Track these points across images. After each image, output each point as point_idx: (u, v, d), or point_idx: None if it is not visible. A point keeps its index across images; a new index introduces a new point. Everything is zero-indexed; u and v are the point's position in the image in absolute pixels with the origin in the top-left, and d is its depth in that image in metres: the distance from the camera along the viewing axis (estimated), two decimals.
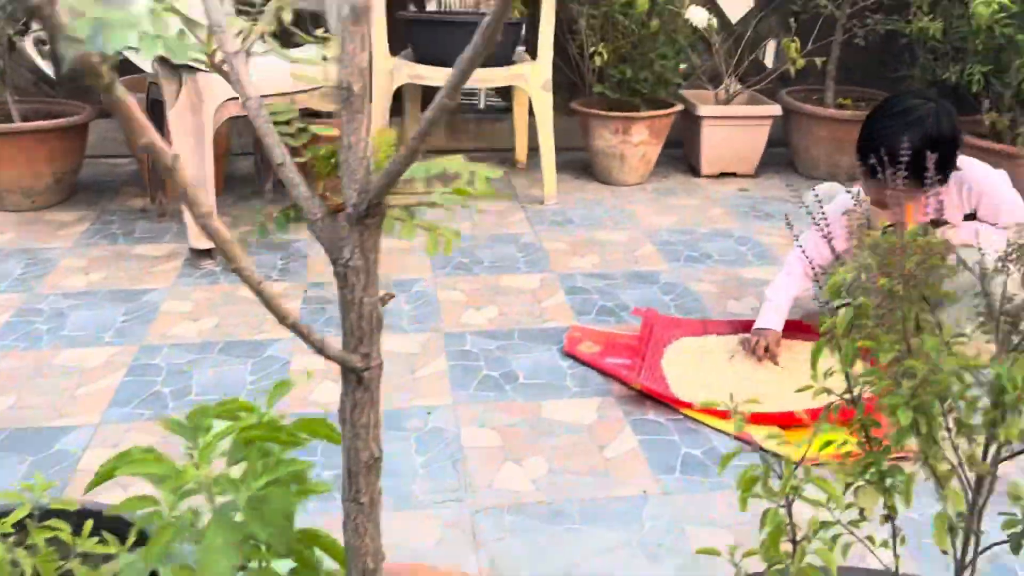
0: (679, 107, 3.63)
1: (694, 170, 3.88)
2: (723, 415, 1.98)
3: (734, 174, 3.83)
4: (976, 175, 2.03)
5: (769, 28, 4.06)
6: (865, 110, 3.74)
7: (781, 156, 4.14)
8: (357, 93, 0.64)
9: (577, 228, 3.20)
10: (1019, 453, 0.90)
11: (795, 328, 2.34)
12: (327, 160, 0.73)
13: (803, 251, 2.29)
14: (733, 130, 3.69)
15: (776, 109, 3.67)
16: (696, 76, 3.92)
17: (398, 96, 3.57)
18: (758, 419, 1.95)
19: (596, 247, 3.02)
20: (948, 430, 0.92)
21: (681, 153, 4.11)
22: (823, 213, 2.17)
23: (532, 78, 3.26)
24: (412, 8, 3.77)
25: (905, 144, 1.94)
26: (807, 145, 3.75)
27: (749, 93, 3.90)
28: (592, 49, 3.49)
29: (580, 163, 3.99)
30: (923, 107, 1.95)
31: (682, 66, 3.74)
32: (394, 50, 3.36)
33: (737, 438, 1.93)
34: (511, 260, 2.88)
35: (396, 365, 2.19)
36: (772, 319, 2.22)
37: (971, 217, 2.09)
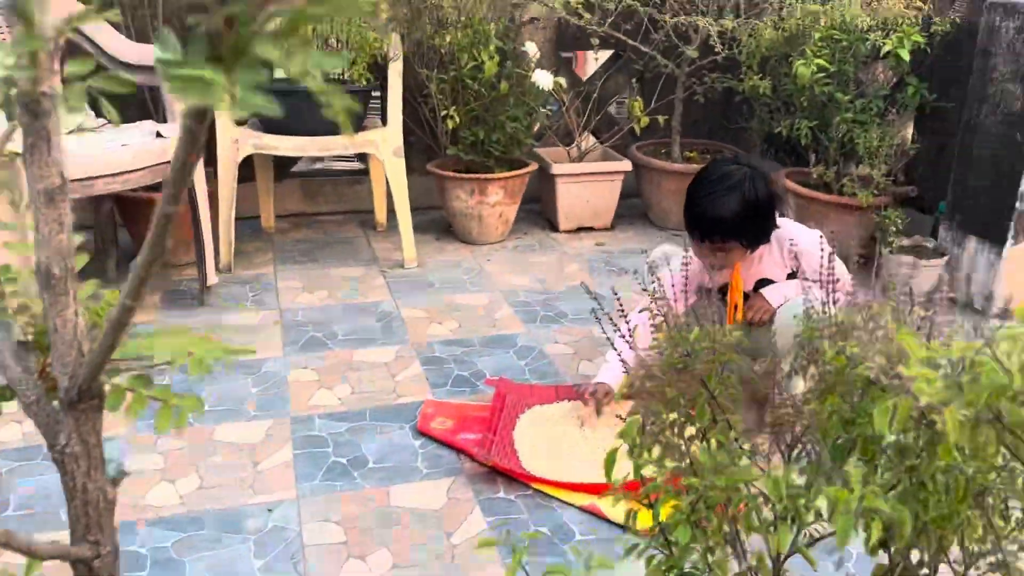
0: (533, 166, 3.69)
1: (552, 226, 3.94)
2: (574, 487, 1.99)
3: (591, 228, 3.91)
4: (795, 236, 2.14)
5: (617, 86, 4.20)
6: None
7: (636, 207, 4.27)
8: (59, 276, 0.59)
9: (437, 292, 3.18)
10: (791, 555, 0.92)
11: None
12: (45, 335, 0.68)
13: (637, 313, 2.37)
14: (587, 186, 3.77)
15: (626, 165, 3.78)
16: (549, 135, 4.00)
17: (249, 164, 3.49)
18: (606, 489, 1.96)
19: (455, 312, 3.00)
20: (735, 539, 0.94)
21: (540, 209, 4.18)
22: (657, 279, 2.21)
23: (383, 145, 3.24)
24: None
25: (724, 209, 2.03)
26: (658, 198, 3.88)
27: (602, 149, 4.01)
28: (444, 112, 3.51)
29: (443, 222, 3.99)
30: (738, 172, 2.05)
31: (537, 125, 3.81)
32: (240, 120, 3.29)
33: (586, 511, 1.95)
34: (367, 332, 2.83)
35: (237, 458, 2.10)
36: (606, 375, 2.25)
37: (793, 276, 2.19)
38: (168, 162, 2.71)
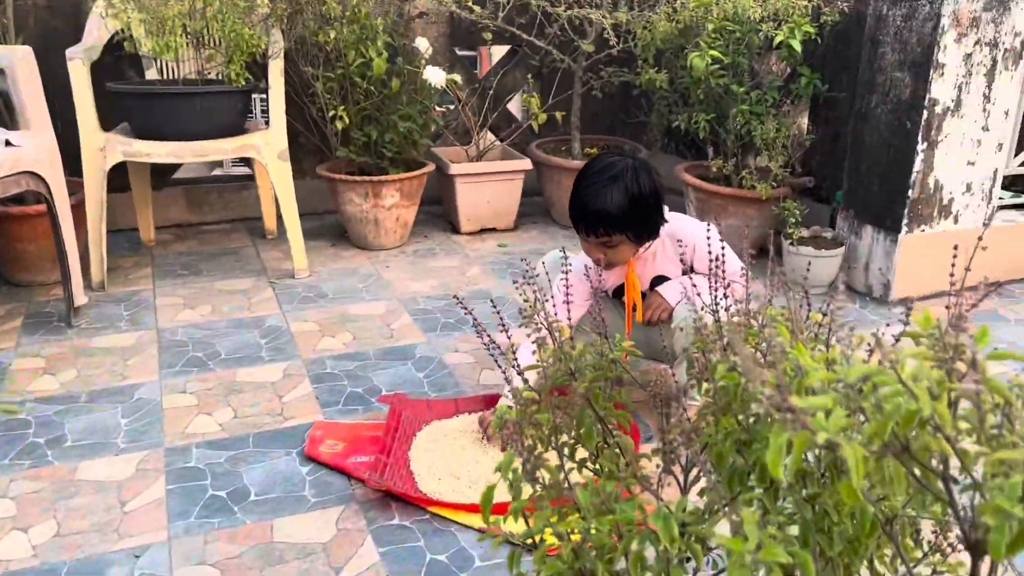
0: (430, 167, 3.55)
1: (454, 228, 3.82)
2: (474, 508, 1.86)
3: (494, 229, 3.80)
4: (687, 231, 2.07)
5: (514, 82, 4.09)
6: None
7: (539, 205, 4.18)
8: None
9: (330, 303, 3.00)
10: None
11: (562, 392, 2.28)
12: None
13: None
14: (487, 186, 3.66)
15: (526, 163, 3.68)
16: (446, 134, 3.87)
17: (125, 171, 3.24)
18: (505, 509, 1.84)
19: (349, 323, 2.84)
20: None
21: (441, 211, 4.05)
22: (538, 290, 2.10)
23: (266, 148, 3.05)
24: (130, 78, 3.44)
25: (607, 201, 1.94)
26: (559, 196, 3.79)
27: (502, 147, 3.90)
28: (332, 113, 3.34)
29: (337, 227, 3.81)
30: (621, 164, 1.97)
31: (433, 126, 3.67)
32: (109, 124, 3.04)
33: (485, 532, 1.83)
34: (253, 349, 2.64)
35: (102, 499, 1.89)
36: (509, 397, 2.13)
37: (689, 271, 2.12)
38: (23, 172, 2.46)
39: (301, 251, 3.21)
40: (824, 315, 0.94)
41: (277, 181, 3.09)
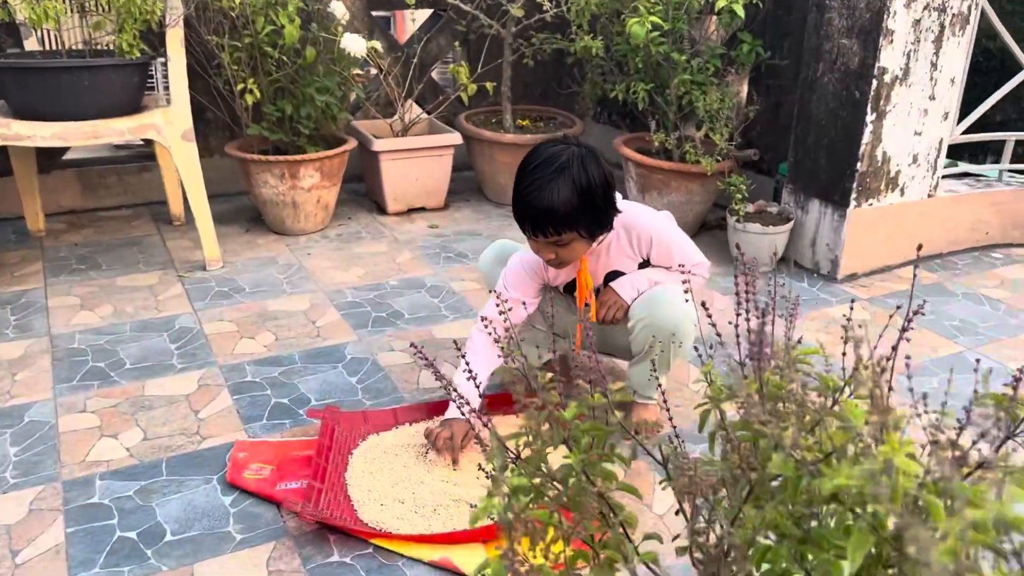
0: (352, 143, 3.28)
1: (380, 208, 3.57)
2: (421, 539, 1.67)
3: (423, 208, 3.57)
4: (642, 222, 1.89)
5: (439, 49, 3.83)
6: (546, 131, 3.67)
7: (470, 181, 3.95)
8: None
9: (247, 298, 2.74)
10: None
11: (505, 403, 2.10)
12: None
13: (485, 323, 2.06)
14: (414, 163, 3.41)
15: (456, 138, 3.45)
16: (367, 107, 3.59)
17: (4, 153, 2.88)
18: (459, 538, 1.66)
19: (270, 322, 2.58)
20: None
21: (365, 190, 3.79)
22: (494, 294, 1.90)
23: (167, 128, 2.73)
24: (6, 49, 3.05)
25: (554, 198, 1.75)
26: (492, 172, 3.58)
27: (429, 120, 3.65)
28: (241, 86, 3.03)
29: (252, 210, 3.51)
30: (565, 154, 1.75)
31: (353, 96, 3.40)
32: None
33: (438, 567, 1.64)
34: (162, 356, 2.37)
35: None
36: (453, 411, 1.93)
37: (646, 264, 1.95)
38: None
39: (212, 240, 2.92)
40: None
41: (182, 164, 2.78)
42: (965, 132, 3.05)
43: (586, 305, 1.96)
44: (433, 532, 1.67)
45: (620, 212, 1.83)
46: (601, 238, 1.86)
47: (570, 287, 2.01)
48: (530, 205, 1.72)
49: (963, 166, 3.42)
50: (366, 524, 1.70)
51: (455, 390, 1.93)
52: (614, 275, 1.95)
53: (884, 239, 2.93)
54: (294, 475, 1.85)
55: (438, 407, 2.09)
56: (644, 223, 1.89)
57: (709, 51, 3.03)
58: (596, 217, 1.76)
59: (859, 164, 2.74)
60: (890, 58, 2.64)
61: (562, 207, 1.70)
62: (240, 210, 3.53)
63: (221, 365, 2.32)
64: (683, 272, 1.93)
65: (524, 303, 1.97)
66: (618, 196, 1.87)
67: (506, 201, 3.66)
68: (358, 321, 2.60)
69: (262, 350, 2.41)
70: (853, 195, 2.78)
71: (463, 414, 1.91)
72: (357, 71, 3.44)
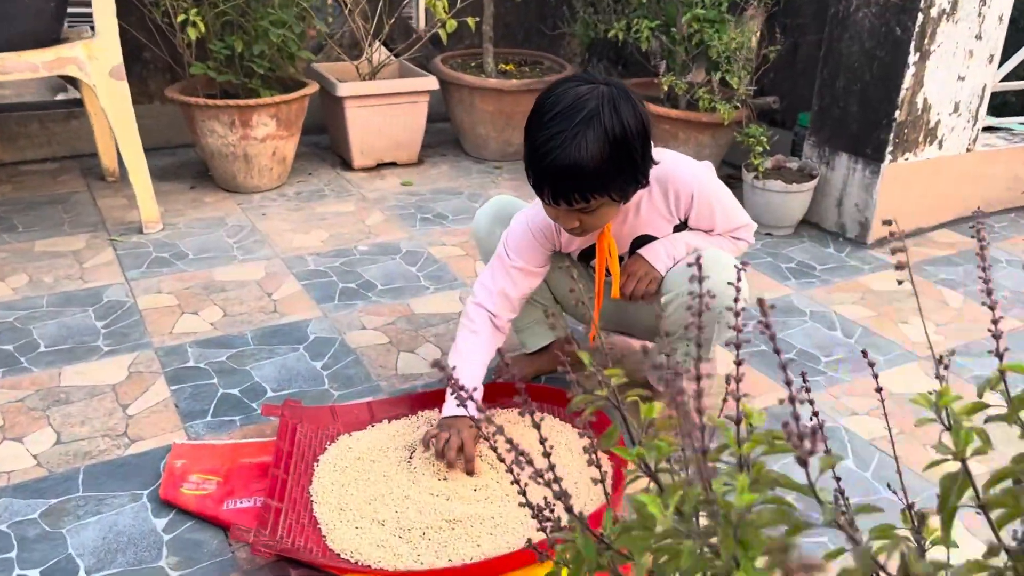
0: (313, 87, 2.86)
1: (345, 163, 3.15)
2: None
3: (394, 163, 3.16)
4: (681, 174, 1.52)
5: None
6: (532, 76, 3.28)
7: (446, 133, 3.55)
8: None
9: (190, 266, 2.33)
10: None
11: (501, 393, 1.74)
12: None
13: (477, 303, 1.68)
14: (385, 111, 3.00)
15: (432, 82, 3.04)
16: (330, 45, 3.16)
17: None
18: (475, 571, 1.31)
19: (217, 295, 2.18)
20: None
21: (328, 142, 3.37)
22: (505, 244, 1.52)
23: (91, 64, 2.29)
24: None
25: (582, 155, 1.35)
26: (472, 123, 3.18)
27: (399, 63, 3.23)
28: (182, 18, 2.58)
29: (198, 164, 3.08)
30: (593, 96, 1.34)
31: (313, 30, 2.97)
32: None
33: None
34: (86, 336, 1.96)
35: None
36: (452, 404, 1.57)
37: (682, 227, 1.59)
38: None
39: (150, 198, 2.49)
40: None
41: (111, 107, 2.35)
42: (1003, 80, 2.73)
43: (606, 278, 1.59)
44: (426, 567, 1.31)
45: (656, 163, 1.46)
46: (631, 197, 1.49)
47: (586, 254, 1.64)
48: (552, 165, 1.32)
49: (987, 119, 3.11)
50: (338, 555, 1.34)
51: (455, 382, 1.54)
52: (643, 240, 1.58)
53: (918, 199, 2.61)
54: (245, 490, 1.48)
55: (422, 399, 1.73)
56: (683, 176, 1.52)
57: None
58: (631, 174, 1.38)
59: (897, 112, 2.40)
60: None
61: (592, 167, 1.32)
62: (185, 165, 3.10)
63: (157, 347, 1.93)
64: (730, 237, 1.58)
65: (529, 273, 1.61)
66: (652, 146, 1.50)
67: (488, 156, 3.27)
68: (322, 293, 2.21)
69: (207, 328, 2.02)
70: (889, 148, 2.45)
71: (466, 411, 1.54)
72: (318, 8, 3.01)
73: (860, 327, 2.13)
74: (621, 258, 1.61)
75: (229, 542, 1.38)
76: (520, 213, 1.63)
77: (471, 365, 1.56)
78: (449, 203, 2.85)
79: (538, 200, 1.60)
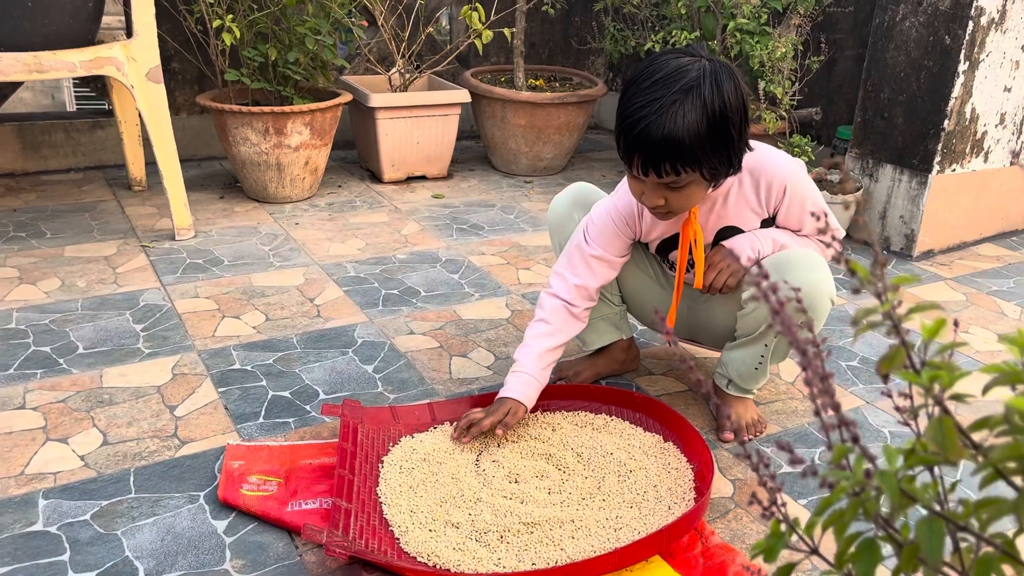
0: (347, 96, 2.82)
1: (374, 176, 3.11)
2: None
3: (423, 177, 3.12)
4: (775, 166, 1.47)
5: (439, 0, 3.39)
6: (562, 91, 3.25)
7: (472, 150, 3.52)
8: None
9: (227, 272, 2.26)
10: None
11: (581, 395, 1.68)
12: None
13: (552, 292, 1.63)
14: (416, 123, 2.96)
15: (464, 95, 3.00)
16: (364, 54, 3.13)
17: None
18: (569, 572, 1.23)
19: (257, 299, 2.11)
20: None
21: (355, 156, 3.32)
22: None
23: (129, 64, 2.24)
24: None
25: (679, 124, 1.32)
26: (503, 137, 3.14)
27: (428, 77, 3.20)
28: (218, 24, 2.55)
29: (227, 176, 3.04)
30: (694, 68, 1.32)
31: (354, 36, 2.93)
32: None
33: None
34: (124, 339, 1.89)
35: None
36: (515, 386, 1.52)
37: (769, 223, 1.54)
38: None
39: (183, 204, 2.43)
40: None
41: (147, 110, 2.29)
42: None
43: (689, 263, 1.54)
44: (508, 571, 1.24)
45: (751, 150, 1.42)
46: (721, 183, 1.44)
47: (665, 246, 1.59)
48: (645, 133, 1.29)
49: None
50: (414, 558, 1.26)
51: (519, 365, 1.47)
52: (728, 233, 1.53)
53: (964, 211, 2.57)
54: (308, 491, 1.40)
55: (483, 401, 1.66)
56: (777, 168, 1.47)
57: None
58: (725, 153, 1.34)
59: (946, 122, 2.37)
60: None
61: (688, 138, 1.27)
62: (212, 176, 3.04)
63: (200, 350, 1.85)
64: (819, 236, 1.53)
65: (609, 263, 1.56)
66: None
67: (518, 170, 3.23)
68: (365, 299, 2.14)
69: (251, 332, 1.94)
70: (937, 159, 2.42)
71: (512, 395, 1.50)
72: (352, 21, 2.98)
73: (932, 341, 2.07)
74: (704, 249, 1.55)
75: (295, 544, 1.30)
76: (600, 202, 1.58)
77: (531, 353, 1.53)
78: (483, 215, 2.80)
79: (621, 188, 1.56)
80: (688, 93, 1.29)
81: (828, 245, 1.57)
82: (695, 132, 1.28)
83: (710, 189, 1.43)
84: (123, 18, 2.62)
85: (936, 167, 2.43)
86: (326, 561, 1.26)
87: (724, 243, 1.51)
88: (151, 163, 2.58)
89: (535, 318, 1.57)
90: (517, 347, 1.57)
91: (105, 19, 2.63)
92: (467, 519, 1.34)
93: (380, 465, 1.47)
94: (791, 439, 1.63)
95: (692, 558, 1.29)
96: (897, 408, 0.53)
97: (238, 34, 2.56)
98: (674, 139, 1.28)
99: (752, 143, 1.47)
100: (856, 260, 0.51)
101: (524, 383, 1.52)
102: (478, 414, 1.52)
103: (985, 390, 0.48)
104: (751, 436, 1.63)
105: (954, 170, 2.48)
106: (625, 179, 1.55)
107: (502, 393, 1.53)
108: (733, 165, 1.38)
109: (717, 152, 1.33)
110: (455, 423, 1.55)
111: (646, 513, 1.37)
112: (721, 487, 1.48)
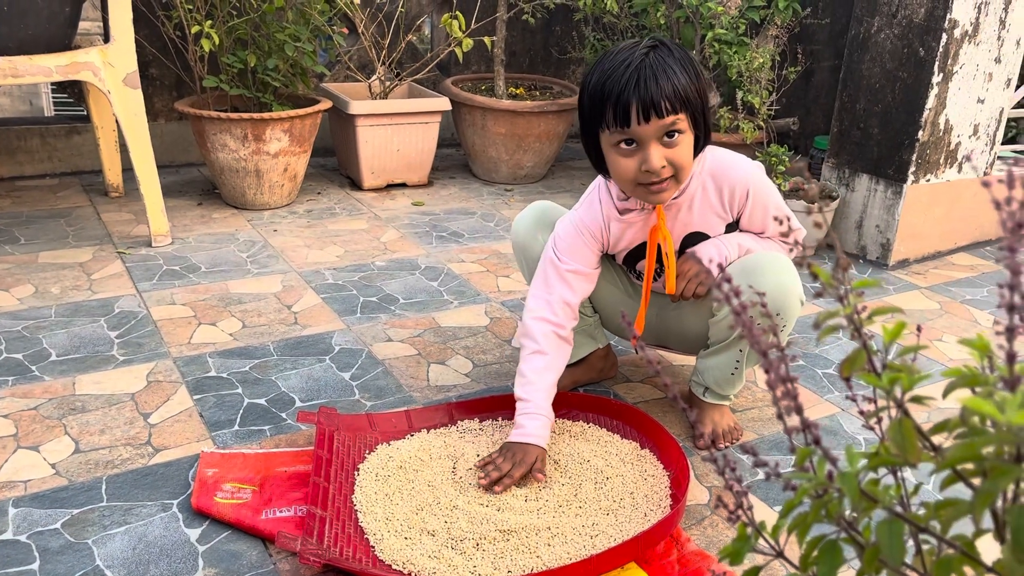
0: (326, 103, 2.81)
1: (354, 183, 3.10)
2: None
3: (404, 184, 3.11)
4: (737, 171, 1.49)
5: (420, 6, 3.39)
6: (542, 100, 3.26)
7: (453, 158, 3.52)
8: None
9: (204, 279, 2.24)
10: None
11: (559, 402, 1.67)
12: None
13: (537, 317, 1.61)
14: (396, 131, 2.96)
15: (444, 103, 3.01)
16: (344, 61, 3.13)
17: None
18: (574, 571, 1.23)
19: (234, 306, 2.10)
20: None
21: (335, 163, 3.32)
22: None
23: (106, 70, 2.23)
24: None
25: (664, 68, 1.33)
26: (484, 145, 3.14)
27: (408, 85, 3.20)
28: (196, 30, 2.54)
29: (205, 183, 3.02)
30: (646, 39, 1.39)
31: (334, 43, 2.93)
32: None
33: None
34: (98, 346, 1.87)
35: None
36: (531, 428, 1.47)
37: (733, 227, 1.55)
38: None
39: (160, 210, 2.41)
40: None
41: (124, 115, 2.28)
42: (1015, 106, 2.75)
43: (657, 271, 1.54)
44: None
45: (713, 155, 1.43)
46: (681, 186, 1.45)
47: (632, 257, 1.59)
48: (637, 74, 1.31)
49: None
50: (389, 566, 1.26)
51: (525, 403, 1.45)
52: (693, 239, 1.54)
53: (938, 221, 2.60)
54: (283, 499, 1.39)
55: (460, 408, 1.65)
56: (739, 171, 1.48)
57: (746, 3, 2.66)
58: (700, 105, 1.37)
59: (920, 132, 2.40)
60: (962, 10, 2.31)
61: (676, 75, 1.32)
62: (190, 183, 3.03)
63: (176, 357, 1.84)
64: (782, 238, 1.54)
65: (585, 275, 1.55)
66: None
67: (498, 179, 3.23)
68: (344, 306, 2.14)
69: (227, 339, 1.93)
70: (911, 169, 2.44)
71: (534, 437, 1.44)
72: (333, 29, 2.98)
73: (896, 344, 2.09)
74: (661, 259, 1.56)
75: (269, 553, 1.29)
76: (563, 217, 1.58)
77: (539, 391, 1.49)
78: (464, 222, 2.80)
79: (583, 201, 1.56)
80: (654, 48, 1.37)
81: (791, 248, 1.58)
82: (679, 72, 1.34)
83: (675, 192, 1.44)
84: (101, 23, 2.60)
85: (911, 177, 2.46)
86: (300, 569, 1.25)
87: (691, 251, 1.52)
88: (128, 169, 2.56)
89: (529, 350, 1.52)
90: (518, 381, 1.51)
91: (83, 24, 2.61)
92: (443, 527, 1.34)
93: (356, 473, 1.46)
94: (767, 446, 1.64)
95: (668, 564, 1.29)
96: (861, 412, 0.53)
97: (217, 40, 2.55)
98: (664, 78, 1.32)
99: (713, 149, 1.49)
100: (819, 264, 0.52)
101: (544, 426, 1.47)
102: (505, 464, 1.43)
103: (946, 393, 0.48)
104: (728, 443, 1.64)
105: (928, 180, 2.51)
106: (587, 193, 1.55)
107: (524, 439, 1.46)
108: (707, 126, 1.41)
109: (697, 99, 1.36)
110: (483, 474, 1.44)
111: (622, 520, 1.37)
112: (697, 494, 1.48)
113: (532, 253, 1.65)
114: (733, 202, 1.51)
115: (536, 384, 1.49)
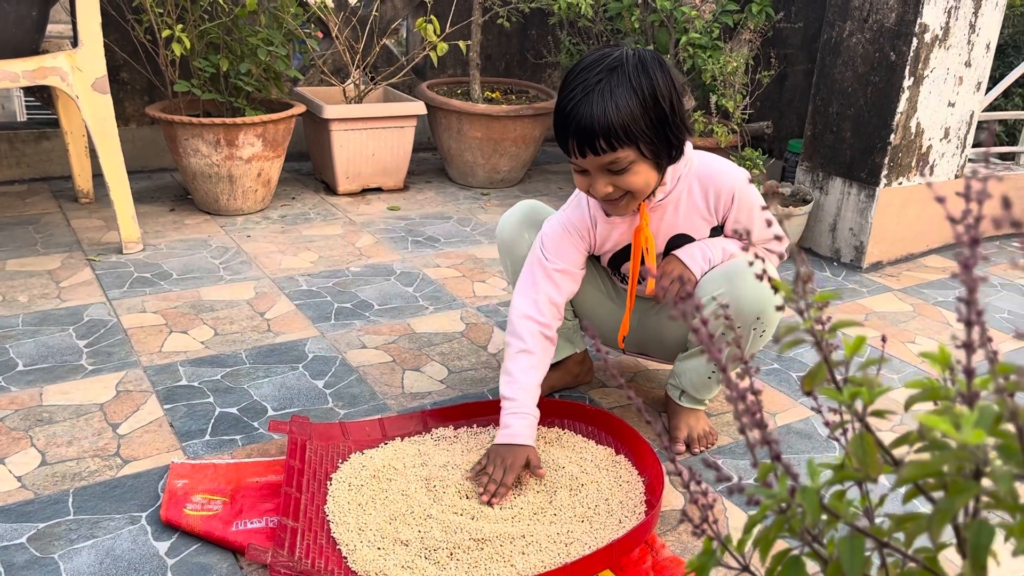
0: (300, 108, 2.79)
1: (329, 188, 3.08)
2: None
3: (379, 189, 3.10)
4: (723, 175, 1.49)
5: (394, 11, 3.38)
6: (518, 104, 3.26)
7: (429, 162, 3.51)
8: None
9: (176, 286, 2.22)
10: None
11: (548, 410, 1.67)
12: None
13: (524, 315, 1.61)
14: (371, 135, 2.94)
15: (419, 107, 2.99)
16: (318, 65, 3.10)
17: None
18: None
19: (206, 314, 2.08)
20: None
21: (310, 168, 3.29)
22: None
23: (74, 75, 2.20)
24: None
25: (606, 98, 1.33)
26: (460, 149, 3.13)
27: (384, 89, 3.18)
28: (167, 34, 2.51)
29: (176, 188, 2.98)
30: (618, 54, 1.35)
31: (309, 47, 2.91)
32: None
33: None
34: (66, 355, 1.84)
35: None
36: (518, 428, 1.47)
37: (718, 231, 1.55)
38: None
39: (130, 216, 2.38)
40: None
41: (93, 120, 2.25)
42: (986, 109, 2.78)
43: (641, 275, 1.54)
44: None
45: (690, 135, 1.43)
46: (665, 184, 1.45)
47: (617, 260, 1.59)
48: (574, 113, 1.31)
49: None
50: None
51: (509, 402, 1.45)
52: (678, 241, 1.54)
53: (910, 224, 2.62)
54: (254, 510, 1.37)
55: (434, 416, 1.64)
56: (725, 176, 1.48)
57: (720, 7, 2.66)
58: (661, 131, 1.35)
59: (892, 136, 2.42)
60: (932, 14, 2.33)
61: (616, 112, 1.29)
62: (162, 188, 2.99)
63: (146, 366, 1.81)
64: (764, 248, 1.55)
65: (571, 275, 1.55)
66: (689, 146, 1.47)
67: (475, 183, 3.23)
68: (317, 313, 2.12)
69: (198, 347, 1.91)
70: (884, 172, 2.46)
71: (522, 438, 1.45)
72: (307, 32, 2.96)
73: (868, 347, 2.10)
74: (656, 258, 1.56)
75: (240, 565, 1.27)
76: (551, 217, 1.58)
77: (526, 391, 1.49)
78: (439, 227, 2.78)
79: (572, 201, 1.56)
80: (613, 71, 1.33)
81: (780, 256, 1.59)
82: (623, 106, 1.30)
83: (659, 195, 1.44)
84: (70, 27, 2.57)
85: (883, 180, 2.47)
86: None
87: (675, 252, 1.52)
88: (98, 175, 2.53)
89: (515, 348, 1.51)
90: (504, 380, 1.50)
91: (52, 28, 2.58)
92: (417, 536, 1.32)
93: (328, 483, 1.44)
94: (742, 451, 1.64)
95: (642, 572, 1.29)
96: (826, 423, 0.53)
97: (188, 44, 2.52)
98: (601, 114, 1.30)
99: (700, 153, 1.49)
100: (781, 279, 0.51)
101: (531, 425, 1.47)
102: (497, 473, 1.42)
103: (907, 406, 0.48)
104: (702, 448, 1.64)
105: (900, 183, 2.53)
106: (575, 194, 1.56)
107: (511, 440, 1.45)
108: (674, 146, 1.39)
109: (651, 128, 1.34)
110: (481, 489, 1.42)
111: (597, 527, 1.37)
112: (672, 500, 1.48)
113: (518, 252, 1.64)
114: (719, 205, 1.51)
115: (522, 383, 1.49)
